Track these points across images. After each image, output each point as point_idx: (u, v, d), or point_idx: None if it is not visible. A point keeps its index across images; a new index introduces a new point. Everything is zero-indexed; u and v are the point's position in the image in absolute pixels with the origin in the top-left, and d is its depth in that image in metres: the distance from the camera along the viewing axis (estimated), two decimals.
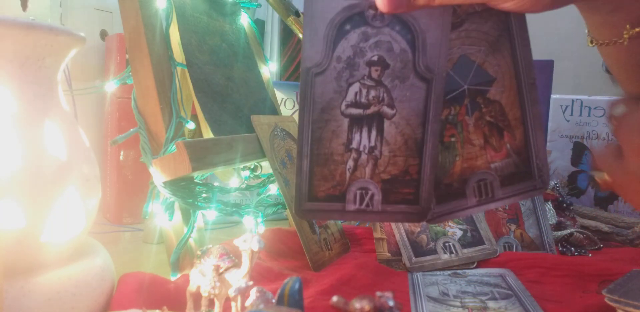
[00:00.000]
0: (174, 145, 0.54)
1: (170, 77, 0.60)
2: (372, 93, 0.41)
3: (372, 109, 0.41)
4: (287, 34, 1.18)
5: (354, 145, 0.41)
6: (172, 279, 0.55)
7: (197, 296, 0.46)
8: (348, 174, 0.41)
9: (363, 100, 0.41)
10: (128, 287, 0.48)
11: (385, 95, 0.41)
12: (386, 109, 0.41)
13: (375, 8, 0.38)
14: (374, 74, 0.40)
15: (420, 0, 0.36)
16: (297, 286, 0.35)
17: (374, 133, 0.41)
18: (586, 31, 0.50)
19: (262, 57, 0.85)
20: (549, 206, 0.82)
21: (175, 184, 0.56)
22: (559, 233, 0.76)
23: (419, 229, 0.70)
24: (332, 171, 0.41)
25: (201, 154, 0.55)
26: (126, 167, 0.93)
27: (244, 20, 0.83)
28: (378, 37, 0.40)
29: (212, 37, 0.72)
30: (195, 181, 0.59)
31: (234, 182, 0.72)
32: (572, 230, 0.77)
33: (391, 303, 0.32)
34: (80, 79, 0.97)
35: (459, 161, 0.42)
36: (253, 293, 0.36)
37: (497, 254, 0.69)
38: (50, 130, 0.44)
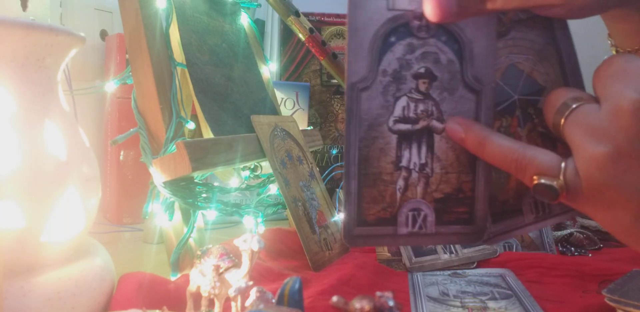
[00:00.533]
0: (174, 145, 0.54)
1: (170, 77, 0.60)
2: (421, 107, 0.39)
3: (421, 124, 0.39)
4: (287, 34, 1.18)
5: (404, 163, 0.39)
6: (172, 279, 0.55)
7: (197, 296, 0.46)
8: (399, 195, 0.39)
9: (411, 114, 0.39)
10: (128, 287, 0.48)
11: (434, 108, 0.39)
12: (436, 123, 0.39)
13: (419, 19, 0.37)
14: (422, 87, 0.39)
15: (471, 8, 0.35)
16: (297, 286, 0.35)
17: (424, 149, 0.39)
18: (609, 41, 0.49)
19: (262, 57, 0.85)
20: None
21: (175, 184, 0.56)
22: (559, 233, 0.76)
23: None
24: (381, 192, 0.39)
25: (201, 154, 0.55)
26: (126, 167, 0.93)
27: (244, 20, 0.83)
28: (424, 49, 0.38)
29: (212, 37, 0.72)
30: (195, 181, 0.59)
31: (234, 182, 0.72)
32: (572, 230, 0.77)
33: (391, 303, 0.32)
34: (80, 79, 0.97)
35: (514, 177, 0.39)
36: (253, 293, 0.36)
37: (497, 254, 0.69)
38: (50, 130, 0.44)
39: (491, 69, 0.39)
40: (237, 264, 0.45)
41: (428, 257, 0.68)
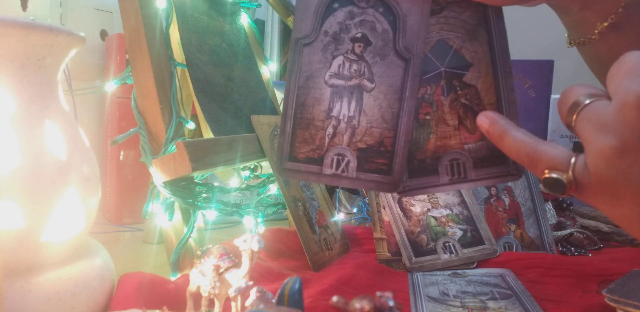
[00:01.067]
0: (174, 145, 0.54)
1: (170, 77, 0.60)
2: (354, 67, 0.44)
3: (353, 82, 0.44)
4: (287, 34, 1.18)
5: (334, 113, 0.44)
6: (172, 279, 0.55)
7: (197, 296, 0.46)
8: (327, 140, 0.44)
9: (345, 72, 0.44)
10: (128, 287, 0.48)
11: (366, 69, 0.44)
12: (366, 82, 0.44)
13: None
14: (357, 50, 0.44)
15: None
16: (297, 286, 0.35)
17: (353, 104, 0.44)
18: (566, 34, 0.50)
19: (262, 57, 0.85)
20: (549, 206, 0.82)
21: (175, 184, 0.56)
22: (559, 233, 0.76)
23: (419, 229, 0.70)
24: (312, 135, 0.44)
25: (201, 154, 0.55)
26: (126, 167, 0.93)
27: (244, 20, 0.83)
28: (363, 17, 0.43)
29: (212, 37, 0.72)
30: (195, 181, 0.59)
31: (234, 182, 0.72)
32: (572, 230, 0.77)
33: (391, 303, 0.32)
34: (80, 79, 0.97)
35: (433, 139, 0.44)
36: (253, 293, 0.36)
37: (497, 254, 0.69)
38: (50, 130, 0.44)
39: (421, 41, 0.44)
40: (237, 264, 0.45)
41: (428, 257, 0.68)
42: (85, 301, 0.45)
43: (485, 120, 0.39)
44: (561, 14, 0.50)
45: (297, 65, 0.43)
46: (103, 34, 1.05)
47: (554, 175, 0.32)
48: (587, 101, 0.31)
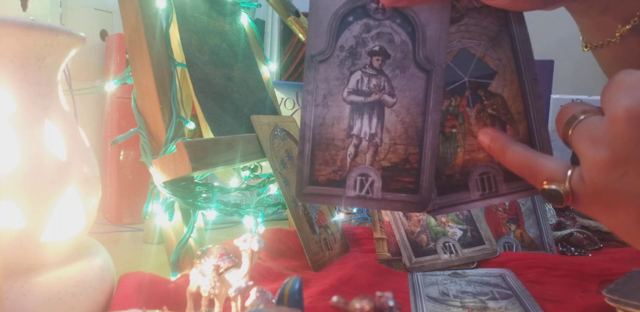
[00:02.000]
0: (174, 145, 0.54)
1: (170, 77, 0.60)
2: (374, 82, 0.42)
3: (373, 97, 0.42)
4: (287, 34, 1.18)
5: (355, 131, 0.42)
6: (172, 279, 0.55)
7: (197, 296, 0.46)
8: (349, 160, 0.42)
9: (364, 88, 0.42)
10: (128, 287, 0.48)
11: (386, 84, 0.42)
12: (387, 97, 0.42)
13: (376, 2, 0.40)
14: (375, 64, 0.42)
15: None
16: (297, 286, 0.35)
17: (374, 120, 0.42)
18: (580, 37, 0.50)
19: (262, 57, 0.85)
20: (549, 206, 0.82)
21: (175, 184, 0.56)
22: (559, 233, 0.76)
23: (419, 229, 0.70)
24: (333, 156, 0.42)
25: (201, 154, 0.55)
26: (126, 167, 0.93)
27: (244, 20, 0.83)
28: (380, 29, 0.41)
29: (212, 37, 0.72)
30: (195, 181, 0.59)
31: (234, 182, 0.72)
32: (572, 230, 0.77)
33: (391, 303, 0.32)
34: (80, 79, 0.97)
35: (461, 153, 0.43)
36: (253, 293, 0.36)
37: (497, 254, 0.69)
38: (50, 130, 0.44)
39: (443, 51, 0.42)
40: (237, 264, 0.45)
41: (428, 257, 0.68)
42: (85, 301, 0.45)
43: (486, 136, 0.40)
44: (580, 17, 0.49)
45: (314, 84, 0.41)
46: (103, 34, 1.05)
47: (552, 186, 0.33)
48: (582, 117, 0.33)
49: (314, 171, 0.42)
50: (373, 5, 0.41)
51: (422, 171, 0.43)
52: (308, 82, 0.41)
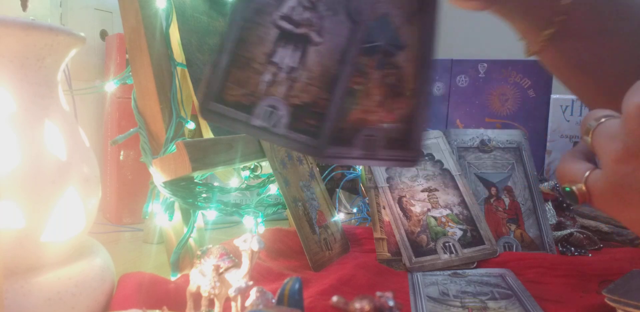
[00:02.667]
0: (174, 145, 0.54)
1: (170, 77, 0.60)
2: (306, 14, 0.42)
3: (302, 30, 0.41)
4: None
5: (276, 59, 0.41)
6: (172, 279, 0.55)
7: (197, 296, 0.46)
8: (263, 87, 0.41)
9: (296, 17, 0.41)
10: (128, 287, 0.48)
11: (316, 20, 0.42)
12: (314, 35, 0.42)
13: None
14: None
15: None
16: (297, 286, 0.35)
17: (297, 54, 0.42)
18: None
19: None
20: (549, 206, 0.82)
21: (175, 184, 0.56)
22: (559, 233, 0.76)
23: (419, 229, 0.70)
24: (247, 78, 0.40)
25: (201, 154, 0.55)
26: (126, 167, 0.93)
27: None
28: None
29: (212, 37, 0.72)
30: (195, 181, 0.59)
31: (234, 182, 0.72)
32: (572, 230, 0.77)
33: (391, 303, 0.32)
34: (80, 79, 0.97)
35: (356, 111, 0.43)
36: (253, 293, 0.36)
37: (497, 254, 0.69)
38: (50, 130, 0.44)
39: (370, 9, 0.43)
40: (237, 264, 0.45)
41: (428, 257, 0.68)
42: (85, 301, 0.45)
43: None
44: (509, 22, 0.51)
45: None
46: (103, 34, 1.05)
47: (567, 186, 0.36)
48: (602, 120, 0.35)
49: (224, 88, 0.40)
50: None
51: (326, 117, 0.43)
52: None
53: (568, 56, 0.49)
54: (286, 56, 0.41)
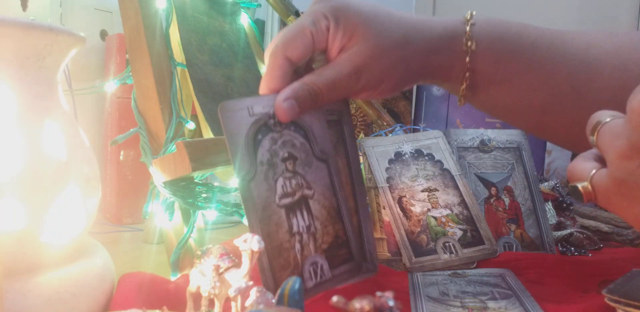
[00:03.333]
0: (174, 145, 0.54)
1: (170, 77, 0.60)
2: (294, 182, 0.49)
3: (298, 195, 0.49)
4: None
5: (295, 229, 0.48)
6: (172, 279, 0.55)
7: (197, 296, 0.46)
8: (299, 256, 0.47)
9: (289, 190, 0.48)
10: (128, 287, 0.48)
11: (302, 181, 0.50)
12: (307, 191, 0.50)
13: (273, 117, 0.48)
14: (289, 167, 0.49)
15: (307, 107, 0.48)
16: (297, 286, 0.35)
17: (305, 213, 0.49)
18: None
19: (262, 57, 0.85)
20: (549, 206, 0.82)
21: (175, 184, 0.56)
22: (559, 233, 0.76)
23: (419, 229, 0.70)
24: (286, 259, 0.46)
25: (201, 154, 0.55)
26: (126, 167, 0.93)
27: (244, 20, 0.83)
28: (283, 138, 0.49)
29: (212, 37, 0.72)
30: (195, 181, 0.59)
31: (234, 182, 0.72)
32: (572, 230, 0.77)
33: (391, 303, 0.32)
34: (80, 79, 0.97)
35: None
36: (253, 293, 0.36)
37: (497, 254, 0.69)
38: (50, 130, 0.44)
39: (329, 143, 0.52)
40: (237, 264, 0.45)
41: (428, 257, 0.68)
42: (85, 301, 0.45)
43: None
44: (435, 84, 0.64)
45: (251, 201, 0.45)
46: (103, 34, 1.05)
47: (575, 184, 0.36)
48: (608, 119, 0.35)
49: (277, 280, 0.45)
50: (271, 121, 0.48)
51: (349, 239, 0.52)
52: (246, 200, 0.45)
53: (486, 102, 0.56)
54: (300, 221, 0.48)
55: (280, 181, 0.48)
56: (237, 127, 0.46)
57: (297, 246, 0.47)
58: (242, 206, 0.46)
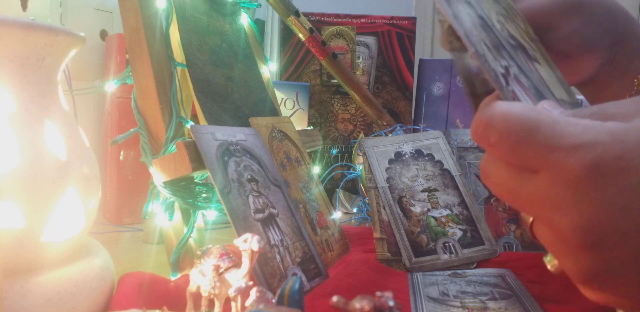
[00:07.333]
0: (174, 146, 0.54)
1: (170, 77, 0.60)
2: (261, 200, 0.53)
3: (267, 212, 0.53)
4: (287, 34, 1.18)
5: (272, 241, 0.51)
6: (172, 279, 0.55)
7: (197, 296, 0.46)
8: (281, 266, 0.51)
9: (259, 206, 0.53)
10: (128, 287, 0.48)
11: (267, 200, 0.54)
12: (272, 210, 0.54)
13: (234, 144, 0.53)
14: (254, 187, 0.54)
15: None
16: (297, 286, 0.35)
17: (276, 229, 0.53)
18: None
19: (262, 57, 0.85)
20: None
21: (175, 184, 0.56)
22: None
23: (419, 229, 0.70)
24: (272, 267, 0.49)
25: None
26: (126, 167, 0.93)
27: (244, 20, 0.83)
28: (244, 163, 0.54)
29: (212, 37, 0.72)
30: (195, 181, 0.59)
31: None
32: None
33: (391, 303, 0.32)
34: (80, 79, 0.97)
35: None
36: (253, 293, 0.36)
37: (497, 254, 0.69)
38: (50, 130, 0.44)
39: (277, 172, 0.58)
40: (237, 264, 0.45)
41: (428, 257, 0.68)
42: (85, 301, 0.45)
43: None
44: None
45: (234, 212, 0.50)
46: (103, 34, 1.05)
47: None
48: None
49: (270, 285, 0.48)
50: (231, 147, 0.53)
51: (314, 255, 0.57)
52: (229, 210, 0.49)
53: None
54: (274, 235, 0.52)
55: (250, 198, 0.52)
56: (207, 147, 0.51)
57: (277, 257, 0.50)
58: (229, 218, 0.49)
